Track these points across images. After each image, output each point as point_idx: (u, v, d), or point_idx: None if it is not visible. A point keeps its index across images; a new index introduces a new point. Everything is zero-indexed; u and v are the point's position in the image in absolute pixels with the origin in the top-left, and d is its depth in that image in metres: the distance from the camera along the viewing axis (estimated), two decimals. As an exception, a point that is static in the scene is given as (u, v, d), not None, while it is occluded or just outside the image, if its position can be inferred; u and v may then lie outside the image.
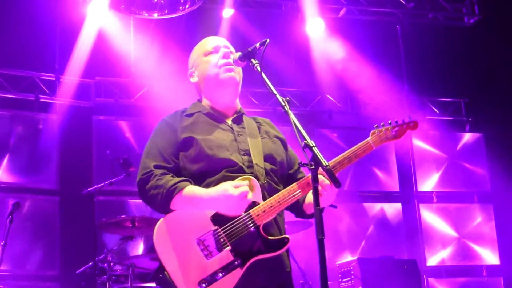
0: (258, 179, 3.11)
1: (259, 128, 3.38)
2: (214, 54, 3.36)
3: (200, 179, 3.11)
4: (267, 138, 3.35)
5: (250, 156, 3.18)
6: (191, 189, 3.04)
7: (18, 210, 5.80)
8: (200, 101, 3.44)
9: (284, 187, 3.14)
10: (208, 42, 3.44)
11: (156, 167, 3.13)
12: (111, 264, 6.08)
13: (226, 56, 3.32)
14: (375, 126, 3.27)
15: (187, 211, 3.04)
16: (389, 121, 3.29)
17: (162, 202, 3.05)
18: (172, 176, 3.09)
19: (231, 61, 3.30)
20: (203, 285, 2.94)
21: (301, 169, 3.35)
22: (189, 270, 2.96)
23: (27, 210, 7.91)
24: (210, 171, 3.12)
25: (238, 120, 3.36)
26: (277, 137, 3.40)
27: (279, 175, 3.26)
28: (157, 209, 3.12)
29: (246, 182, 3.03)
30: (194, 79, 3.43)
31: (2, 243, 5.50)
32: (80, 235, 7.39)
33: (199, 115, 3.31)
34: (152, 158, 3.17)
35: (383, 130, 3.27)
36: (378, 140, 3.25)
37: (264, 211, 3.03)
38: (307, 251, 8.56)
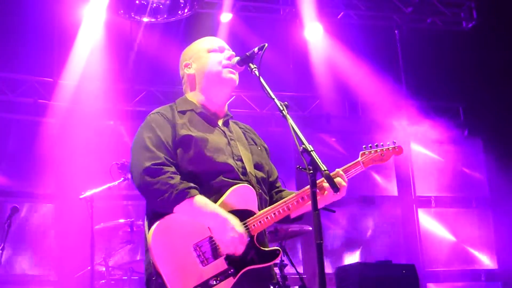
0: (253, 187, 3.11)
1: (244, 134, 3.39)
2: (219, 53, 3.37)
3: (195, 180, 3.05)
4: (254, 145, 3.37)
5: (243, 162, 3.18)
6: (202, 200, 3.00)
7: (16, 214, 5.79)
8: (185, 95, 3.40)
9: (268, 196, 3.22)
10: (214, 41, 3.45)
11: (167, 161, 3.06)
12: (109, 268, 6.07)
13: (230, 59, 3.34)
14: (363, 147, 3.39)
15: (186, 217, 3.00)
16: (376, 144, 3.40)
17: (169, 202, 2.96)
18: (181, 179, 3.02)
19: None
20: None
21: (278, 180, 3.42)
22: (184, 275, 2.94)
23: (25, 214, 7.89)
24: (207, 173, 3.09)
25: (226, 123, 3.36)
26: (263, 146, 3.43)
27: (266, 184, 3.29)
28: (156, 204, 3.02)
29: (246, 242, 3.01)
30: (190, 71, 3.40)
31: (0, 247, 5.48)
32: (78, 240, 7.36)
33: (192, 114, 3.28)
34: (161, 150, 3.08)
35: (372, 152, 3.37)
36: (367, 161, 3.34)
37: (260, 222, 3.04)
38: (305, 255, 8.56)
